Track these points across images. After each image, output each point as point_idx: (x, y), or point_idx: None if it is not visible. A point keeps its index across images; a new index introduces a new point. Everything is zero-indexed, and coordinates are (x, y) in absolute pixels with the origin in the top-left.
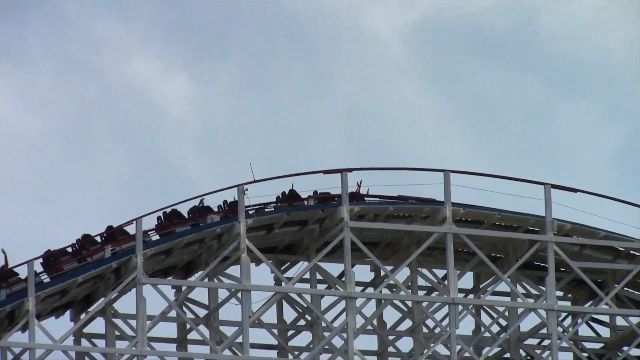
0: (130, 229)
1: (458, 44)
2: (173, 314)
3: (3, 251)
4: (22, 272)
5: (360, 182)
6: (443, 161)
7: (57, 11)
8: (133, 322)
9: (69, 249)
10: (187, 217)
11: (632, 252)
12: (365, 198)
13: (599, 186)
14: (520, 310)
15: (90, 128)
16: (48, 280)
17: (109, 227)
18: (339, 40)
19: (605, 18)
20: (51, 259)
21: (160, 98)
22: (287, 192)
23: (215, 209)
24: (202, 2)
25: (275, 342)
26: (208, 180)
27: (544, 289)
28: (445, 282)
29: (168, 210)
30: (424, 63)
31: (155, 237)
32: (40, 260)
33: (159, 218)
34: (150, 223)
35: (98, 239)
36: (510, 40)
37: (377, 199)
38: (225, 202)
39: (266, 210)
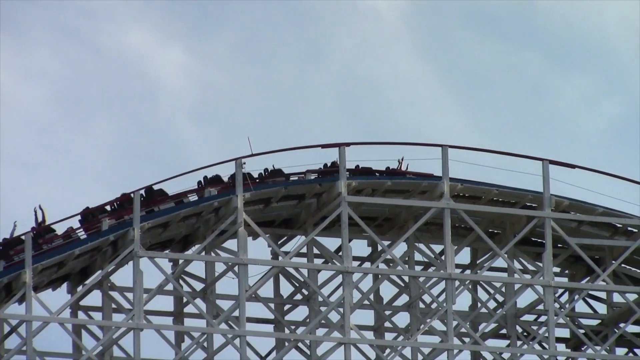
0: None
1: (455, 18)
2: (170, 287)
3: (40, 207)
4: (60, 228)
5: (402, 159)
6: (438, 135)
7: None
8: (130, 295)
9: (107, 207)
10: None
11: (630, 228)
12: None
13: (596, 161)
14: (517, 286)
15: (87, 98)
16: (85, 237)
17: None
18: (336, 12)
19: None
20: (90, 216)
21: (156, 69)
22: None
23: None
24: None
25: (271, 316)
26: (204, 151)
27: (541, 265)
28: (442, 257)
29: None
30: (420, 36)
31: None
32: (78, 217)
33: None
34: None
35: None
36: (507, 14)
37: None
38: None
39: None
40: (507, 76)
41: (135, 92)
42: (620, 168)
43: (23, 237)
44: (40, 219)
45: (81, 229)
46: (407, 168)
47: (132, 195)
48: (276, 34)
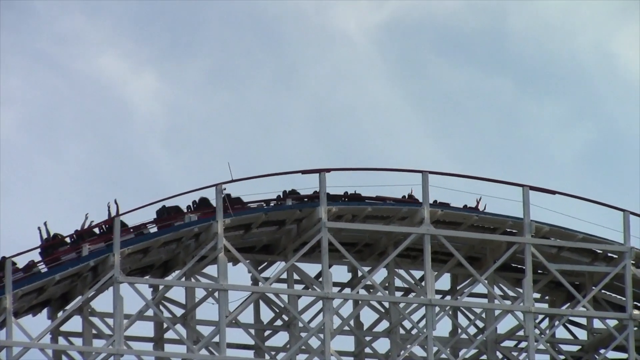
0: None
1: (427, 44)
2: (150, 312)
3: (115, 202)
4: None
5: (480, 199)
6: (412, 162)
7: (26, 7)
8: (110, 321)
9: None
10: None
11: (609, 254)
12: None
13: (570, 187)
14: (497, 312)
15: (59, 124)
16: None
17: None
18: (308, 39)
19: (573, 19)
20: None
21: (129, 95)
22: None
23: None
24: (171, 0)
25: (252, 342)
26: (178, 177)
27: (521, 290)
28: (423, 283)
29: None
30: (393, 62)
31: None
32: (39, 250)
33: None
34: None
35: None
36: (479, 40)
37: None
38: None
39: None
40: (480, 102)
41: (108, 117)
42: (595, 194)
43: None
44: (45, 235)
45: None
46: (484, 208)
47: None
48: (249, 60)
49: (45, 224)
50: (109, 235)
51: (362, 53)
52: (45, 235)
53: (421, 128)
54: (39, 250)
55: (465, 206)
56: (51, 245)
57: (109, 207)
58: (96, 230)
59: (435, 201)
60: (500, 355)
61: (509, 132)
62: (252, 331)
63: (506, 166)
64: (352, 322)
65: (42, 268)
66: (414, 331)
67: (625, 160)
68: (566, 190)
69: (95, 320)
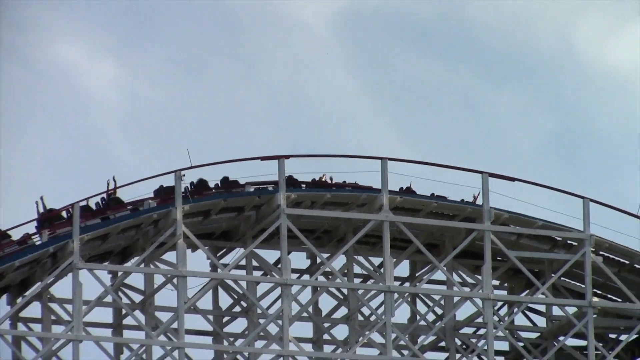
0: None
1: (385, 31)
2: (109, 299)
3: (114, 179)
4: None
5: (478, 194)
6: (371, 149)
7: None
8: (69, 307)
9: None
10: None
11: (569, 241)
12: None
13: (528, 174)
14: (456, 299)
15: (17, 112)
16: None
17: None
18: (266, 27)
19: (533, 7)
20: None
21: (87, 82)
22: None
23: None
24: None
25: (210, 328)
26: (136, 164)
27: (480, 277)
28: (382, 270)
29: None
30: (351, 50)
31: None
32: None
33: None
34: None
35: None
36: (438, 28)
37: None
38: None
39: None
40: (439, 90)
41: (66, 105)
42: (555, 181)
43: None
44: (42, 209)
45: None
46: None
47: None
48: (207, 47)
49: (41, 198)
50: (104, 211)
51: (320, 41)
52: (41, 210)
53: (380, 115)
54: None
55: (432, 194)
56: (47, 219)
57: (108, 184)
58: (64, 214)
59: (400, 188)
60: (459, 342)
61: (468, 120)
62: (211, 317)
63: (466, 154)
64: (310, 309)
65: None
66: (373, 318)
67: (585, 148)
68: (526, 178)
69: (55, 306)
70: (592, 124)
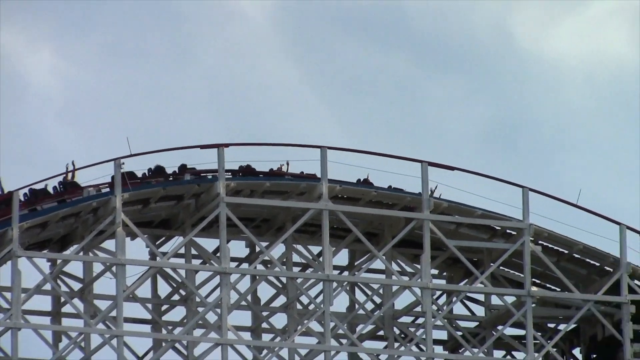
0: None
1: (325, 20)
2: (48, 287)
3: (73, 163)
4: None
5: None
6: (311, 137)
7: None
8: (8, 295)
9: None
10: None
11: (508, 231)
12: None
13: (467, 163)
14: (395, 288)
15: None
16: None
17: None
18: (204, 14)
19: None
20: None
21: (24, 70)
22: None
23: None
24: None
25: (149, 317)
26: (74, 151)
27: (419, 267)
28: (320, 258)
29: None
30: (289, 39)
31: None
32: None
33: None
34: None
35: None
36: (376, 16)
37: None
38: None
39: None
40: (378, 79)
41: (4, 92)
42: (494, 170)
43: None
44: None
45: None
46: (438, 194)
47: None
48: (145, 35)
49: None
50: (62, 194)
51: (257, 29)
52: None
53: (318, 104)
54: None
55: (389, 187)
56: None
57: (67, 167)
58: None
59: (358, 180)
60: (397, 331)
61: (406, 109)
62: (150, 306)
63: (404, 142)
64: (249, 297)
65: None
66: (311, 306)
67: (523, 137)
68: (465, 167)
69: None
70: (529, 113)
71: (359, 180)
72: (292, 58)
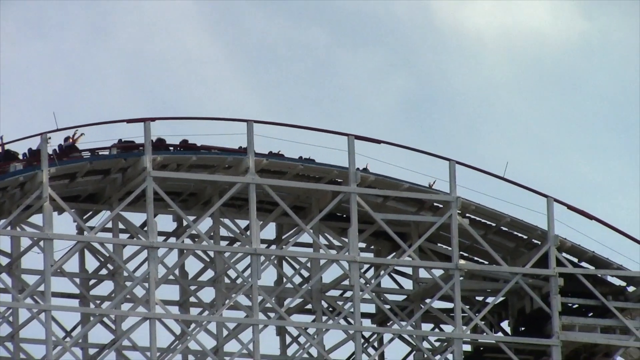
0: None
1: None
2: None
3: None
4: None
5: (434, 182)
6: (228, 111)
7: None
8: None
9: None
10: None
11: (436, 204)
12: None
13: (388, 136)
14: (322, 262)
15: None
16: None
17: None
18: None
19: None
20: None
21: None
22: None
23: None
24: None
25: (77, 291)
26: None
27: (346, 240)
28: (248, 232)
29: None
30: (208, 13)
31: None
32: None
33: None
34: None
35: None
36: None
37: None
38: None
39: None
40: (296, 52)
41: None
42: (414, 143)
43: None
44: None
45: None
46: (433, 183)
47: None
48: (63, 9)
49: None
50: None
51: (176, 3)
52: None
53: (238, 78)
54: None
55: (300, 157)
56: None
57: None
58: None
59: (270, 152)
60: (325, 305)
61: (325, 82)
62: (78, 280)
63: (325, 116)
64: (177, 271)
65: None
66: (239, 280)
67: (443, 110)
68: (387, 140)
69: None
70: (450, 86)
71: (270, 152)
72: (212, 33)
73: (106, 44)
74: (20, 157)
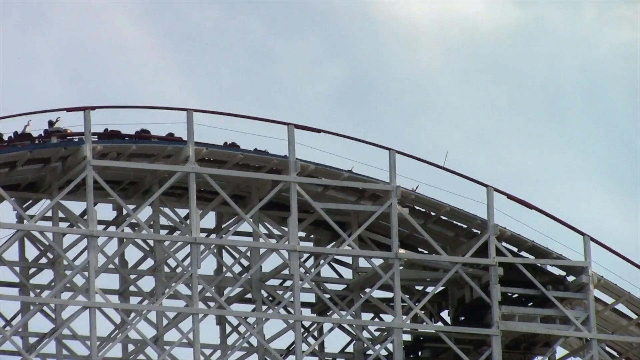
0: None
1: None
2: None
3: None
4: None
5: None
6: (160, 99)
7: None
8: None
9: None
10: None
11: (376, 193)
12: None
13: (320, 124)
14: (262, 251)
15: None
16: None
17: None
18: None
19: None
20: None
21: None
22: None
23: None
24: None
25: (17, 280)
26: None
27: (286, 229)
28: (188, 221)
29: None
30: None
31: None
32: None
33: None
34: None
35: None
36: None
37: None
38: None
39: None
40: (230, 40)
41: None
42: (347, 131)
43: None
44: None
45: None
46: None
47: None
48: None
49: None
50: None
51: None
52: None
53: (170, 66)
54: None
55: (255, 149)
56: None
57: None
58: None
59: (225, 143)
60: (265, 294)
61: (260, 71)
62: (17, 269)
63: (261, 105)
64: (117, 260)
65: None
66: (179, 269)
67: (379, 97)
68: (322, 128)
69: None
70: (385, 73)
71: (225, 143)
72: (147, 21)
73: (42, 33)
74: None
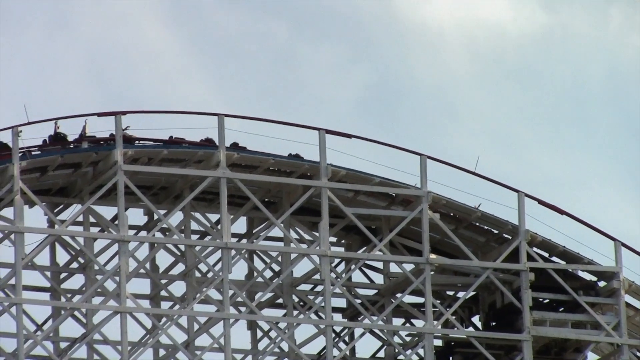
0: None
1: None
2: None
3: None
4: None
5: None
6: (192, 105)
7: None
8: None
9: None
10: None
11: (406, 198)
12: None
13: (348, 129)
14: (293, 256)
15: None
16: None
17: None
18: None
19: None
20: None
21: None
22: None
23: None
24: None
25: (48, 285)
26: None
27: (317, 234)
28: (219, 226)
29: None
30: (168, 5)
31: None
32: None
33: None
34: None
35: None
36: None
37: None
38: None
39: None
40: (257, 45)
41: None
42: (374, 137)
43: None
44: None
45: None
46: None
47: None
48: (24, 1)
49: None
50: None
51: None
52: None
53: (197, 71)
54: None
55: (290, 154)
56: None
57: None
58: None
59: (233, 144)
60: (296, 299)
61: (286, 75)
62: (49, 274)
63: (286, 109)
64: (147, 265)
65: None
66: (210, 274)
67: (406, 103)
68: (350, 133)
69: None
70: (412, 79)
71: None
72: (173, 26)
73: (67, 37)
74: None
